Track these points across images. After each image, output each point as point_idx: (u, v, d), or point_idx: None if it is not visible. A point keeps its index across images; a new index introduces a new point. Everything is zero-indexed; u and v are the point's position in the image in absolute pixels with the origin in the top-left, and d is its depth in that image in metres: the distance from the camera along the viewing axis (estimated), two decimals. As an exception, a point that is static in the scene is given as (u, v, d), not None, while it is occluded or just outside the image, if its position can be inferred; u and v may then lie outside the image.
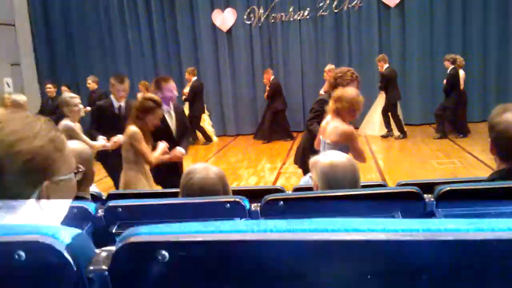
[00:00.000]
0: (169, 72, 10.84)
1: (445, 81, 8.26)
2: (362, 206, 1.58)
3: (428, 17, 9.96)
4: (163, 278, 0.61)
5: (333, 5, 10.34)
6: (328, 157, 1.87)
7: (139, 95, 9.65)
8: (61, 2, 11.47)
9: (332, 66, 8.38)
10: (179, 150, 3.88)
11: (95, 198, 2.46)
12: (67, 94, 4.28)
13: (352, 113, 3.06)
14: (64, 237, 0.65)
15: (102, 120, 4.55)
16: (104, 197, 2.52)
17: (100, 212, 1.73)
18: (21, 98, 5.26)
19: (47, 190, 0.90)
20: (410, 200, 1.54)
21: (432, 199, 1.59)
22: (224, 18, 10.83)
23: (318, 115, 3.79)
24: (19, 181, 0.87)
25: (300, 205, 1.65)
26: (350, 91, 3.11)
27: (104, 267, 0.64)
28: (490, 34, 9.67)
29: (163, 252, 0.59)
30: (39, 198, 0.89)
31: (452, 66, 8.17)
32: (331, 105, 3.11)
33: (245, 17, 10.80)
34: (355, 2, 10.25)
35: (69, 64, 11.66)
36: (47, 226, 0.72)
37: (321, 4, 10.41)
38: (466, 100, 8.64)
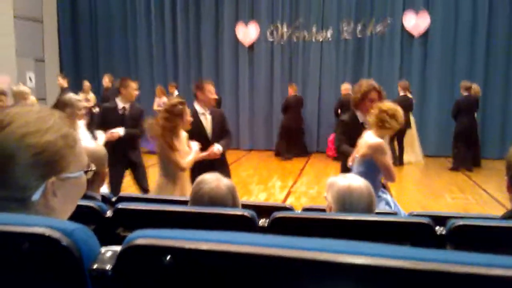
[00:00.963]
0: (188, 80, 10.97)
1: None
2: (372, 233, 1.55)
3: (451, 49, 9.92)
4: (166, 283, 0.60)
5: (357, 30, 10.39)
6: (346, 180, 1.85)
7: (157, 100, 9.79)
8: (89, 1, 11.75)
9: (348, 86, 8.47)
10: (217, 146, 3.91)
11: (105, 199, 2.47)
12: (73, 95, 4.34)
13: (383, 125, 2.98)
14: (72, 232, 0.64)
15: (107, 121, 4.72)
16: (114, 199, 2.53)
17: (109, 213, 1.73)
18: (24, 88, 5.50)
19: (53, 185, 0.90)
20: (421, 231, 1.51)
21: (444, 232, 1.56)
22: (247, 33, 10.94)
23: (343, 137, 3.73)
24: (27, 173, 0.87)
25: (309, 226, 1.63)
26: (387, 104, 3.07)
27: (108, 266, 0.63)
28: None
29: (168, 256, 0.59)
30: (45, 192, 0.89)
31: (466, 94, 8.08)
32: (369, 119, 3.08)
33: (268, 33, 10.90)
34: (379, 29, 10.28)
35: (92, 63, 11.89)
36: (56, 220, 0.72)
37: (345, 28, 10.46)
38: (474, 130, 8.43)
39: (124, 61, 11.66)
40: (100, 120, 4.90)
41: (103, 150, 2.06)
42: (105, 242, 0.86)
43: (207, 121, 4.12)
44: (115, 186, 4.83)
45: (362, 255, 0.59)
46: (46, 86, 10.87)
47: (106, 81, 9.45)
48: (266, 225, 1.67)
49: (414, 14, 10.03)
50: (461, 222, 1.56)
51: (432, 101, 9.97)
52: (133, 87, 4.77)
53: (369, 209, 1.75)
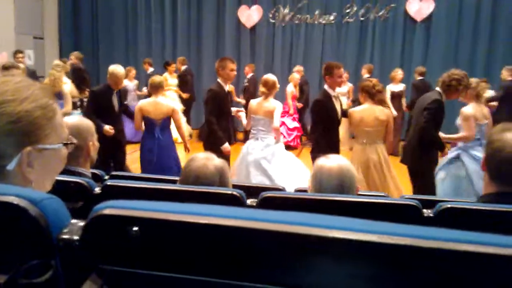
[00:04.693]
0: (188, 62, 10.86)
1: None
2: (359, 213, 1.55)
3: (454, 36, 9.82)
4: (132, 254, 0.59)
5: (360, 13, 10.27)
6: (323, 160, 1.83)
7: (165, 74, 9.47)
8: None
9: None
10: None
11: (97, 176, 2.46)
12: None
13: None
14: (40, 202, 0.64)
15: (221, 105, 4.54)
16: (106, 177, 2.53)
17: (97, 190, 1.72)
18: (14, 63, 5.80)
19: (29, 155, 0.89)
20: (408, 213, 1.51)
21: (431, 215, 1.56)
22: (250, 15, 10.82)
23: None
24: (2, 142, 0.87)
25: (297, 206, 1.63)
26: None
27: (75, 237, 0.63)
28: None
29: (135, 227, 0.58)
30: (20, 162, 0.89)
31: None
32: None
33: (270, 15, 10.78)
34: (382, 12, 10.16)
35: (91, 41, 11.77)
36: (27, 190, 0.71)
37: (347, 11, 10.34)
38: None
39: (124, 43, 11.56)
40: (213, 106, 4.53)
41: (87, 124, 2.03)
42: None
43: (337, 103, 4.32)
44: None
45: (351, 231, 0.60)
46: (45, 64, 10.79)
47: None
48: (255, 204, 1.67)
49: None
50: (448, 205, 1.55)
51: (432, 87, 9.88)
52: (230, 68, 4.49)
53: (339, 189, 1.71)
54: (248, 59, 10.88)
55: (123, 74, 4.87)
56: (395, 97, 8.37)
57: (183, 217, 0.57)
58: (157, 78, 4.93)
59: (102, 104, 4.69)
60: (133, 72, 9.13)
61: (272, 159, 4.67)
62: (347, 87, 9.04)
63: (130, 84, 8.83)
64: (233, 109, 4.82)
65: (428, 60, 9.99)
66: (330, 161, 1.80)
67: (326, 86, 4.28)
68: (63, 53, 11.40)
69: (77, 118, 2.07)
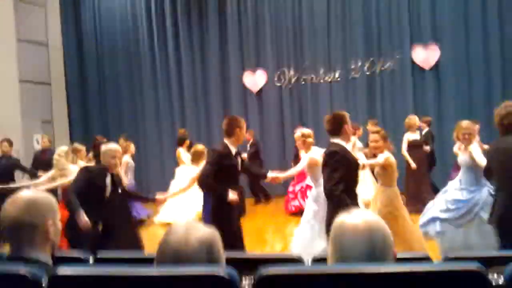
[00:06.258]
0: (197, 133, 10.72)
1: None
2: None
3: (466, 79, 9.53)
4: None
5: (365, 68, 10.12)
6: (345, 216, 1.38)
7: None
8: (96, 65, 11.80)
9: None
10: None
11: (80, 261, 2.03)
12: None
13: None
14: None
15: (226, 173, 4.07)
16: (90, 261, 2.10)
17: (44, 282, 1.31)
18: None
19: None
20: (468, 285, 1.05)
21: (500, 282, 1.09)
22: (255, 80, 10.78)
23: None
24: None
25: (309, 284, 1.18)
26: None
27: None
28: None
29: None
30: None
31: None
32: None
33: (275, 78, 10.71)
34: (387, 65, 10.00)
35: (101, 122, 11.75)
36: None
37: (352, 67, 10.22)
38: None
39: (132, 119, 11.53)
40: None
41: (48, 199, 1.65)
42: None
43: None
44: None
45: None
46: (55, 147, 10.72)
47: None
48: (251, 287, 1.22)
49: (423, 48, 9.75)
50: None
51: (450, 134, 9.39)
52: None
53: (371, 254, 1.26)
54: (257, 123, 10.67)
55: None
56: (414, 146, 7.78)
57: None
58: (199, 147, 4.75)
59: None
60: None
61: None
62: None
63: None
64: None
65: (443, 109, 9.64)
66: (353, 218, 1.35)
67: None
68: (72, 136, 11.39)
69: (34, 192, 1.69)
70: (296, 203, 8.03)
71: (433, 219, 4.87)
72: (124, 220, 4.61)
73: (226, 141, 4.07)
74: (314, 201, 4.85)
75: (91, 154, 6.71)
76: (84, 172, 4.12)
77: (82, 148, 6.53)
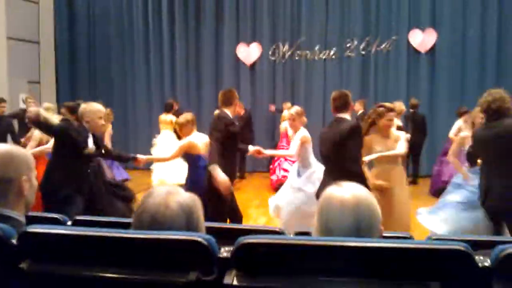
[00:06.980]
0: (187, 101, 10.59)
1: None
2: (379, 266, 1.06)
3: (460, 65, 9.51)
4: None
5: (361, 47, 10.01)
6: (333, 188, 1.33)
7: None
8: (87, 26, 11.47)
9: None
10: None
11: (58, 222, 1.98)
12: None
13: None
14: None
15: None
16: (68, 222, 2.04)
17: (14, 240, 1.25)
18: None
19: None
20: (453, 264, 1.01)
21: (487, 264, 1.06)
22: (249, 52, 10.60)
23: None
24: None
25: (288, 255, 1.14)
26: None
27: None
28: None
29: None
30: None
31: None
32: None
33: (269, 52, 10.55)
34: (384, 45, 9.90)
35: (89, 85, 11.51)
36: None
37: (348, 45, 10.10)
38: None
39: (122, 82, 11.29)
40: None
41: (24, 154, 1.57)
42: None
43: None
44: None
45: None
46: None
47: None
48: (230, 255, 1.18)
49: (420, 31, 9.67)
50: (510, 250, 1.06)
51: (440, 118, 9.43)
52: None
53: (357, 228, 1.22)
54: (249, 97, 10.55)
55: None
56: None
57: None
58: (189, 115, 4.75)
59: None
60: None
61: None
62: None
63: None
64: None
65: (434, 92, 9.64)
66: (342, 191, 1.30)
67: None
68: (59, 97, 11.15)
69: (10, 147, 1.61)
70: (274, 177, 8.22)
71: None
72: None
73: (226, 110, 4.10)
74: (309, 183, 4.56)
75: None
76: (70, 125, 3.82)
77: (54, 107, 6.36)
